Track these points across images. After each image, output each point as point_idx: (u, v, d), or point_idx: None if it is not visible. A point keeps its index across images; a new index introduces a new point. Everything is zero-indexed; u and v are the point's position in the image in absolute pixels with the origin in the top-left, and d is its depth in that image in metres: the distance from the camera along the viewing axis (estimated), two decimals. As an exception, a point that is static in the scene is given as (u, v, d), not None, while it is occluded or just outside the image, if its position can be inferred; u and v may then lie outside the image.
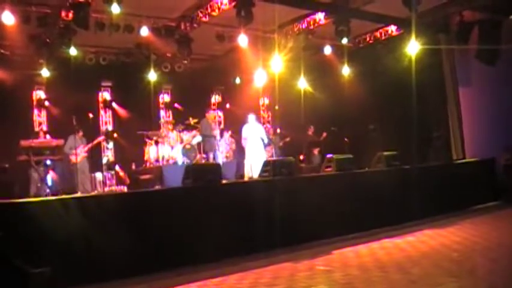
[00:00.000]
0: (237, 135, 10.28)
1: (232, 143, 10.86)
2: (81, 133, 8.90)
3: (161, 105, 12.55)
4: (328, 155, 6.92)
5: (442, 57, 9.65)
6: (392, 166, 6.88)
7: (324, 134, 10.91)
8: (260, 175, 6.15)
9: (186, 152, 9.65)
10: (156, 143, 9.95)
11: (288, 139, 11.41)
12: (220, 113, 13.76)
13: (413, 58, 8.56)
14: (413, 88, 8.02)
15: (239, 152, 10.45)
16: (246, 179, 8.69)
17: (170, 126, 10.46)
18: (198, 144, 9.83)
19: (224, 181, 5.68)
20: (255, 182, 6.16)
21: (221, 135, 10.72)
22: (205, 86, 12.64)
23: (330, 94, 11.24)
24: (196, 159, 9.65)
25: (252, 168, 8.70)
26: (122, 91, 11.32)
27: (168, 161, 9.59)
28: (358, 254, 4.88)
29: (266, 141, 9.47)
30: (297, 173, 6.16)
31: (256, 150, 8.96)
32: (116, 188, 10.04)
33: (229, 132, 11.21)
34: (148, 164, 9.81)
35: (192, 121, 10.05)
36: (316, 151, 10.95)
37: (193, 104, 11.58)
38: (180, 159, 9.52)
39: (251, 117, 9.14)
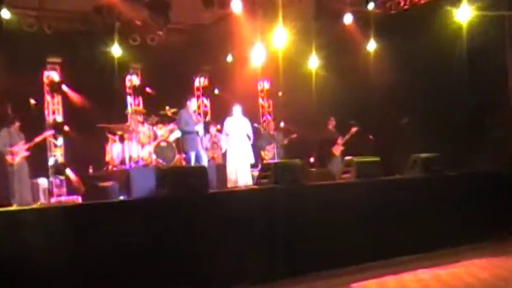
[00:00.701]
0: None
1: (220, 140, 10.89)
2: (17, 124, 8.66)
3: (128, 90, 12.55)
4: (347, 157, 6.92)
5: (504, 27, 9.37)
6: (433, 172, 6.85)
7: (353, 129, 10.85)
8: (257, 182, 6.18)
9: (161, 152, 9.64)
10: (122, 139, 9.94)
11: (294, 136, 11.43)
12: (206, 101, 13.76)
13: (463, 28, 8.41)
14: (463, 68, 7.91)
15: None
16: (229, 186, 8.75)
17: (140, 118, 10.48)
18: (177, 141, 9.84)
19: (211, 190, 5.73)
20: (251, 191, 6.19)
21: (206, 130, 10.72)
22: (187, 66, 12.64)
23: (350, 77, 11.21)
24: (175, 160, 9.66)
25: (238, 173, 8.76)
26: (75, 70, 11.25)
27: (137, 162, 9.58)
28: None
29: (254, 140, 9.57)
30: (305, 180, 6.21)
31: (240, 150, 9.00)
32: (66, 199, 10.01)
33: (217, 126, 11.23)
34: (110, 167, 9.81)
35: (169, 111, 10.04)
36: (338, 151, 10.96)
37: (171, 89, 11.57)
38: (153, 161, 9.52)
39: (236, 109, 9.20)
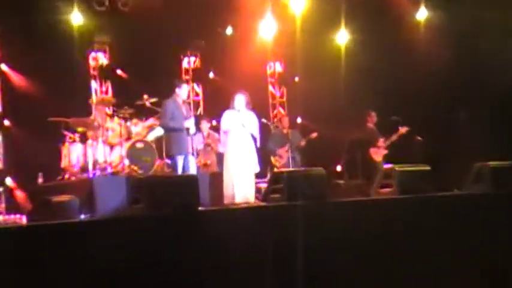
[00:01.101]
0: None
1: (215, 141, 10.91)
2: None
3: (92, 72, 12.54)
4: (386, 165, 6.94)
5: None
6: (505, 187, 6.80)
7: (403, 129, 10.75)
8: (265, 198, 6.24)
9: (136, 155, 9.64)
10: (83, 138, 9.93)
11: (314, 135, 11.42)
12: (198, 88, 13.77)
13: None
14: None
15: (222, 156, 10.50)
16: (226, 202, 8.74)
17: (109, 110, 10.39)
18: (158, 141, 9.85)
19: (201, 208, 5.77)
20: (256, 211, 6.23)
21: (197, 128, 10.71)
22: (172, 40, 12.63)
23: (392, 56, 11.21)
24: (154, 167, 9.66)
25: (238, 185, 8.71)
26: (19, 44, 11.20)
27: (104, 170, 9.58)
28: None
29: (262, 141, 9.53)
30: (330, 196, 6.24)
31: (242, 155, 8.94)
32: (6, 218, 9.99)
33: (212, 122, 11.21)
34: (67, 176, 9.80)
35: (147, 101, 10.03)
36: (379, 156, 10.91)
37: (151, 71, 11.58)
38: (126, 168, 9.53)
39: (239, 100, 9.12)
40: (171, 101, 9.15)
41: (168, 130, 9.18)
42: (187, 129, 9.09)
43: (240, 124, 8.90)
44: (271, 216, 5.73)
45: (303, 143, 11.41)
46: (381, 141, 10.96)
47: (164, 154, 9.59)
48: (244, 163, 8.85)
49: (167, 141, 9.26)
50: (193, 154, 9.29)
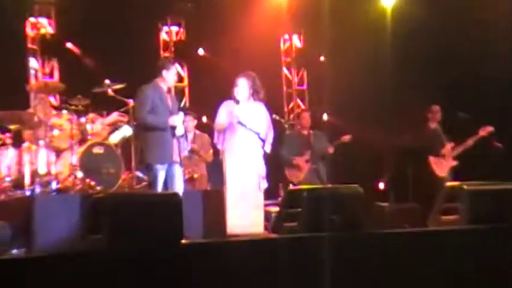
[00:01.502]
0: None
1: (205, 146, 11.00)
2: None
3: (31, 46, 12.58)
4: (450, 183, 6.99)
5: None
6: None
7: (484, 130, 10.63)
8: (277, 225, 6.39)
9: (93, 165, 9.66)
10: (17, 140, 9.94)
11: (347, 138, 11.36)
12: (182, 71, 13.77)
13: None
14: None
15: (215, 166, 10.47)
16: (229, 231, 8.71)
17: (55, 101, 10.39)
18: (126, 143, 9.96)
19: (186, 240, 5.79)
20: (264, 243, 6.29)
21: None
22: (147, 2, 12.71)
23: (462, 28, 11.22)
24: (119, 182, 9.77)
25: (235, 207, 8.71)
26: None
27: (46, 185, 9.58)
28: None
29: (268, 146, 9.46)
30: (368, 225, 6.32)
31: (242, 164, 8.95)
32: None
33: (202, 118, 11.14)
34: (-6, 193, 9.83)
35: (109, 88, 10.05)
36: (444, 168, 10.87)
37: (115, 46, 11.62)
38: (79, 181, 9.56)
39: (242, 86, 9.08)
40: (152, 88, 9.11)
41: (145, 129, 9.19)
42: (174, 129, 9.08)
43: (243, 121, 8.91)
44: (285, 253, 5.74)
45: (330, 149, 11.33)
46: (448, 148, 10.92)
47: (134, 163, 9.60)
48: (246, 177, 8.85)
49: (143, 144, 9.26)
50: (180, 163, 9.27)
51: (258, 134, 8.95)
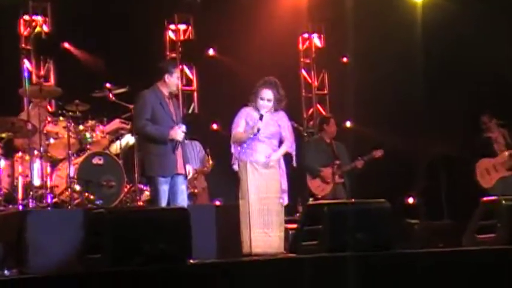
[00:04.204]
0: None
1: (200, 152, 11.01)
2: None
3: (24, 46, 12.60)
4: (486, 198, 7.09)
5: None
6: None
7: None
8: (295, 245, 6.44)
9: (93, 177, 9.67)
10: (9, 149, 9.96)
11: (379, 154, 11.27)
12: (191, 73, 13.77)
13: None
14: None
15: (221, 180, 10.46)
16: (249, 251, 8.69)
17: (50, 106, 10.41)
18: (127, 155, 9.97)
19: (195, 260, 5.79)
20: (281, 264, 6.29)
21: (196, 134, 10.74)
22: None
23: (491, 27, 11.21)
24: (122, 196, 9.76)
25: (264, 223, 8.69)
26: None
27: (41, 199, 9.58)
28: None
29: (293, 155, 9.42)
30: (397, 243, 6.37)
31: (262, 179, 8.93)
32: None
33: (213, 125, 11.10)
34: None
35: (111, 92, 10.04)
36: (490, 180, 10.81)
37: (117, 46, 11.71)
38: (77, 195, 9.57)
39: (269, 96, 9.08)
40: (153, 93, 9.11)
41: (145, 138, 9.18)
42: (178, 138, 9.04)
43: (265, 131, 8.90)
44: (304, 276, 5.75)
45: (359, 164, 11.27)
46: (504, 157, 10.91)
47: (136, 175, 9.61)
48: (269, 192, 8.86)
49: (144, 154, 9.26)
50: (185, 176, 9.26)
51: (287, 150, 8.96)
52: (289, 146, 8.88)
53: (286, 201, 8.99)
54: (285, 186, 8.94)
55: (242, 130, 8.87)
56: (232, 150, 9.05)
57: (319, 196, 10.73)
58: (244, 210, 8.69)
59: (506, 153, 10.77)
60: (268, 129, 8.84)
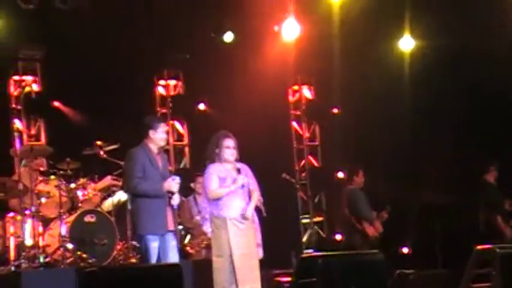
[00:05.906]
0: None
1: (187, 210, 11.08)
2: None
3: (15, 106, 12.57)
4: (480, 247, 7.11)
5: None
6: None
7: None
8: None
9: (85, 235, 9.72)
10: (1, 209, 9.94)
11: (385, 215, 11.25)
12: (182, 127, 13.74)
13: None
14: None
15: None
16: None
17: (42, 165, 10.41)
18: (120, 210, 10.01)
19: None
20: None
21: (186, 190, 10.76)
22: (140, 53, 12.69)
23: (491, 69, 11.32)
24: (114, 253, 9.78)
25: (249, 279, 8.67)
26: None
27: (33, 259, 9.56)
28: None
29: (262, 207, 9.44)
30: None
31: (247, 228, 8.93)
32: None
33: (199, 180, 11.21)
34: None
35: (102, 150, 10.06)
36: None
37: (107, 103, 11.78)
38: (69, 254, 9.57)
39: (234, 144, 9.08)
40: (141, 150, 9.14)
41: (138, 196, 9.18)
42: (170, 195, 9.02)
43: (236, 184, 8.91)
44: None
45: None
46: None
47: (129, 232, 9.62)
48: (249, 246, 8.86)
49: (134, 213, 9.26)
50: (175, 233, 9.23)
51: (257, 203, 9.00)
52: (259, 197, 8.94)
53: (261, 255, 9.03)
54: (259, 239, 8.98)
55: (217, 186, 8.90)
56: (208, 208, 9.10)
57: (374, 237, 10.75)
58: (222, 267, 8.66)
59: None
60: (246, 181, 8.92)
